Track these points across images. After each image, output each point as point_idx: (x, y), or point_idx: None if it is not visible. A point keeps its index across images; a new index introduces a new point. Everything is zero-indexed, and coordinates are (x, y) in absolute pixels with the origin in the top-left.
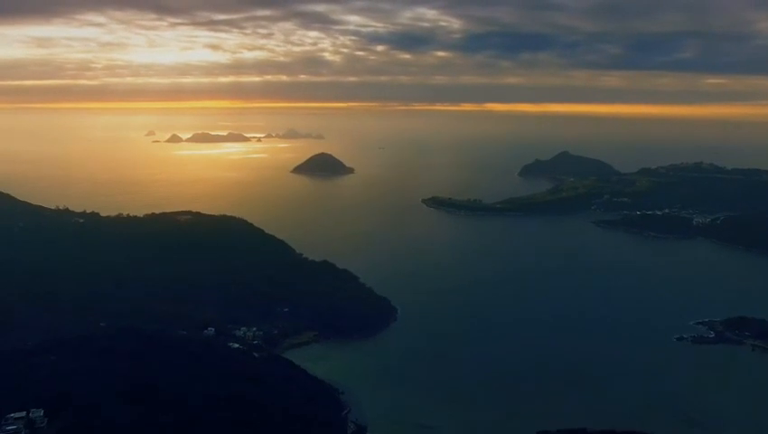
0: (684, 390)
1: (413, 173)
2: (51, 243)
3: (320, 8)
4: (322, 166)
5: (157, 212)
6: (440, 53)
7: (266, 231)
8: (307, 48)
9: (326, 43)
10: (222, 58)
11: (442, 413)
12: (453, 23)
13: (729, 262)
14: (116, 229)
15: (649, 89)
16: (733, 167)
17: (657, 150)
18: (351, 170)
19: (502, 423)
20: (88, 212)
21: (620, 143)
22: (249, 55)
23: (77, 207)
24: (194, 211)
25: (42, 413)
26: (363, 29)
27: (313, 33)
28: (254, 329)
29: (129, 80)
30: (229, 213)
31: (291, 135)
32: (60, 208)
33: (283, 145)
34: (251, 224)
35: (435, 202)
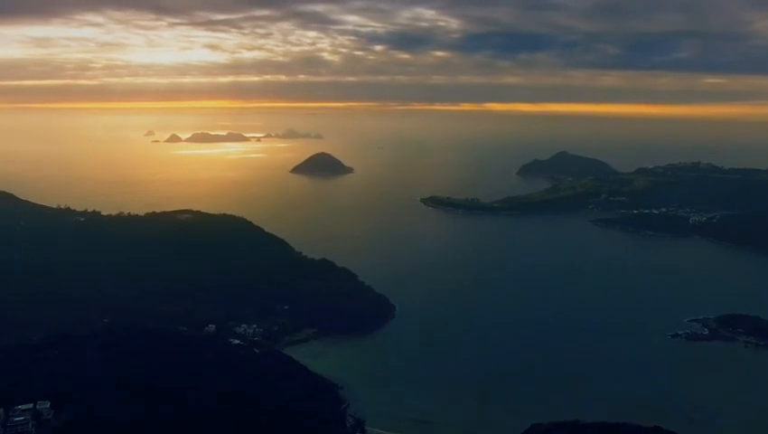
0: (677, 385)
1: (412, 172)
2: (53, 242)
3: (318, 8)
4: (321, 166)
5: (158, 211)
6: (439, 53)
7: (266, 230)
8: (306, 48)
9: (325, 43)
10: (221, 58)
11: (439, 408)
12: (451, 23)
13: (724, 261)
14: (117, 227)
15: (647, 89)
16: (730, 167)
17: (655, 150)
18: (350, 170)
19: (498, 417)
20: (89, 211)
21: (618, 143)
22: (248, 55)
23: (78, 206)
24: (195, 210)
25: (48, 405)
26: (362, 29)
27: (312, 33)
28: (254, 326)
29: (128, 80)
30: (229, 212)
31: (290, 135)
32: (62, 207)
33: (282, 144)
34: (251, 223)
35: (434, 202)
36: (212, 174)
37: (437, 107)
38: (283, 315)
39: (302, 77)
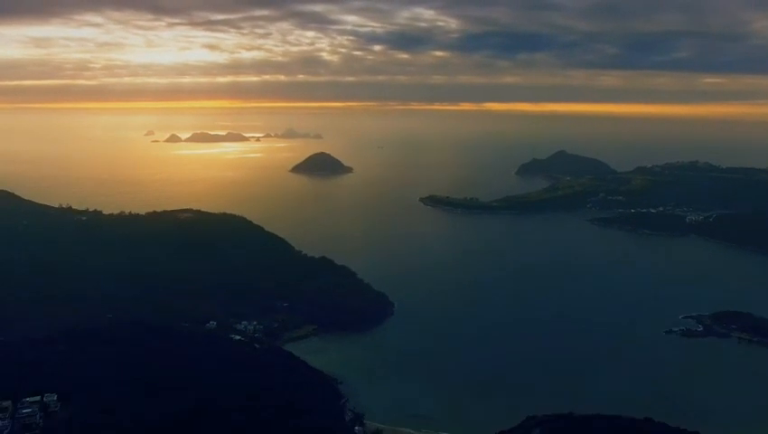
0: (669, 379)
1: (411, 172)
2: (55, 241)
3: (317, 8)
4: (320, 166)
5: (159, 210)
6: (438, 53)
7: (266, 229)
8: (305, 48)
9: (324, 43)
10: (220, 58)
11: (436, 402)
12: (450, 23)
13: (720, 259)
14: (118, 226)
15: (646, 89)
16: (728, 166)
17: (654, 149)
18: (349, 169)
19: (493, 410)
20: (90, 210)
21: (617, 142)
22: (247, 55)
23: (79, 206)
24: (195, 209)
25: (55, 398)
26: (361, 29)
27: (311, 33)
28: (254, 323)
29: (128, 80)
30: (229, 212)
31: (289, 134)
32: (63, 206)
33: (281, 144)
34: (251, 222)
35: (433, 201)
36: (212, 174)
37: (437, 106)
38: (283, 312)
39: (301, 77)
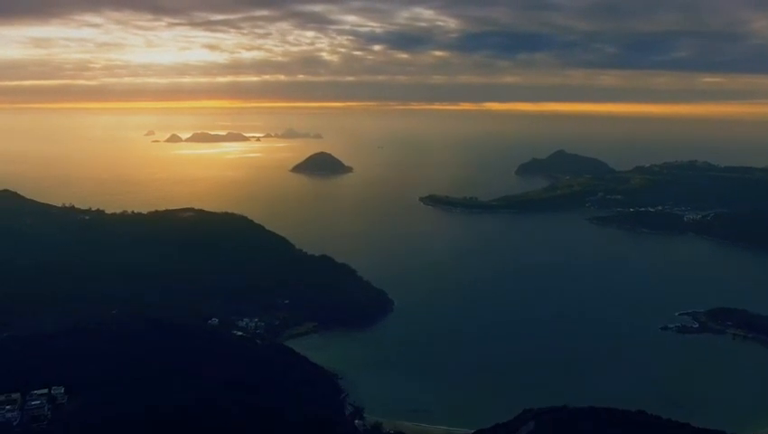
0: (663, 373)
1: (411, 172)
2: (59, 239)
3: (317, 8)
4: (320, 165)
5: (160, 209)
6: (437, 53)
7: (267, 228)
8: (305, 48)
9: (324, 43)
10: (220, 58)
11: (434, 397)
12: (450, 23)
13: (717, 257)
14: (120, 225)
15: (645, 88)
16: (726, 165)
17: (653, 149)
18: (349, 169)
19: (490, 404)
20: (92, 209)
21: (616, 142)
22: (247, 55)
23: (81, 205)
24: (197, 208)
25: (62, 391)
26: (360, 29)
27: (311, 33)
28: (256, 320)
29: (128, 80)
30: (230, 211)
31: (290, 134)
32: (66, 206)
33: (282, 144)
34: (252, 221)
35: (433, 200)
36: (213, 174)
37: (436, 106)
38: (284, 309)
39: (301, 77)
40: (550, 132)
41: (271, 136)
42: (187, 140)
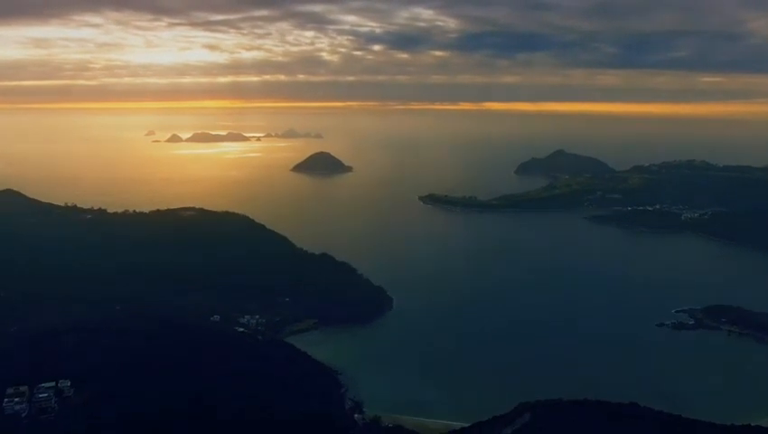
0: (657, 368)
1: (411, 171)
2: (62, 238)
3: (317, 8)
4: (321, 165)
5: (162, 208)
6: (437, 53)
7: (268, 227)
8: (305, 48)
9: (324, 43)
10: (220, 58)
11: (432, 390)
12: (449, 23)
13: (714, 255)
14: (123, 224)
15: (645, 88)
16: (725, 164)
17: (652, 148)
18: (349, 168)
19: (488, 397)
20: (95, 208)
21: (616, 141)
22: (247, 55)
23: (83, 205)
24: (198, 207)
25: (68, 384)
26: (360, 29)
27: (311, 33)
28: (257, 317)
29: (128, 80)
30: (231, 210)
31: (290, 134)
32: (69, 205)
33: (282, 144)
34: (253, 220)
35: (432, 200)
36: (214, 174)
37: (436, 106)
38: (284, 306)
39: (301, 77)
40: (550, 132)
41: (271, 136)
42: (187, 140)
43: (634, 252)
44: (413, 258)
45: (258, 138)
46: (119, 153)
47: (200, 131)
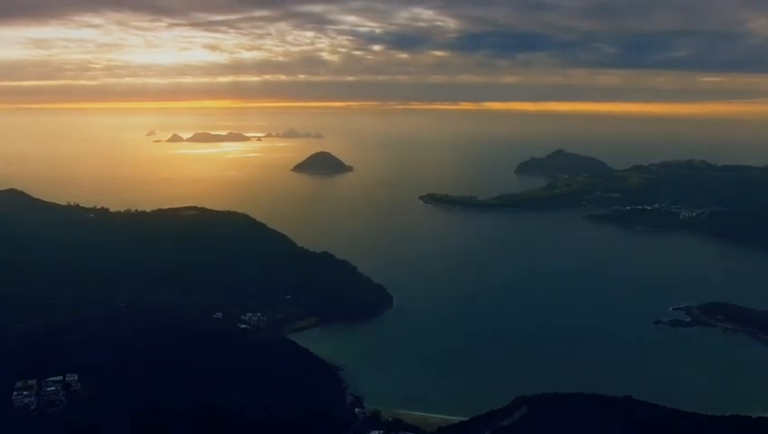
0: (654, 364)
1: (411, 171)
2: (66, 236)
3: (316, 8)
4: (321, 165)
5: (164, 207)
6: (437, 53)
7: (269, 226)
8: (305, 48)
9: (324, 43)
10: (221, 58)
11: (432, 386)
12: (449, 23)
13: (711, 253)
14: (125, 223)
15: (645, 88)
16: (724, 164)
17: (652, 148)
18: (349, 168)
19: (485, 392)
20: (97, 207)
21: (616, 141)
22: (248, 55)
23: (85, 204)
24: (199, 207)
25: (76, 378)
26: (360, 29)
27: (310, 34)
28: (258, 314)
29: (128, 80)
30: (232, 210)
31: (290, 134)
32: (71, 204)
33: (283, 144)
34: (254, 220)
35: (432, 199)
36: (214, 173)
37: (436, 106)
38: (286, 304)
39: (301, 77)
40: (550, 131)
41: (272, 136)
42: (188, 140)
43: (633, 251)
44: (413, 256)
45: (259, 138)
46: (120, 153)
47: (200, 131)
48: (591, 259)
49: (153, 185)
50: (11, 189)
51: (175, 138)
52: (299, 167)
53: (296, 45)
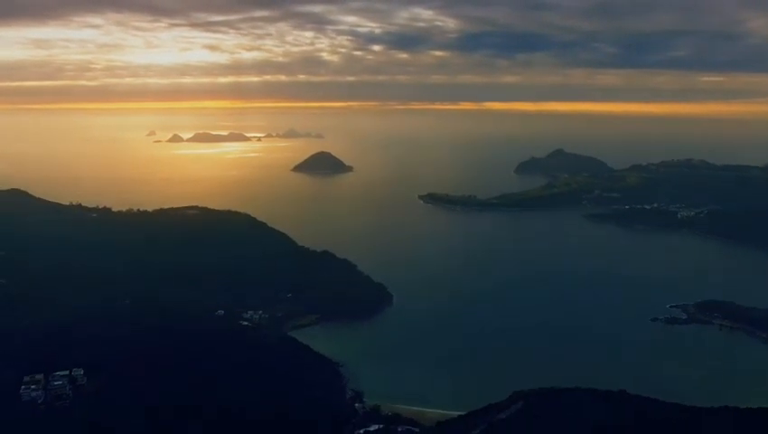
0: (648, 359)
1: (411, 171)
2: (69, 235)
3: (316, 9)
4: (322, 165)
5: (165, 207)
6: (437, 53)
7: (270, 226)
8: (305, 48)
9: (324, 44)
10: (221, 58)
11: (430, 382)
12: (449, 23)
13: (709, 252)
14: (127, 223)
15: (645, 88)
16: (723, 164)
17: (652, 147)
18: (350, 168)
19: (483, 387)
20: (100, 207)
21: (615, 141)
22: (248, 56)
23: (88, 204)
24: (201, 206)
25: (82, 372)
26: (359, 29)
27: (310, 34)
28: (260, 312)
29: (128, 80)
30: (233, 209)
31: (291, 134)
32: (74, 204)
33: (283, 144)
34: (255, 219)
35: (432, 199)
36: (215, 173)
37: (437, 106)
38: (287, 302)
39: (302, 77)
40: (550, 131)
41: (272, 136)
42: (189, 140)
43: (632, 250)
44: (413, 255)
45: (259, 138)
46: (120, 153)
47: (201, 131)
48: (590, 257)
49: (153, 185)
50: (14, 189)
51: (176, 139)
52: (299, 167)
53: (296, 45)
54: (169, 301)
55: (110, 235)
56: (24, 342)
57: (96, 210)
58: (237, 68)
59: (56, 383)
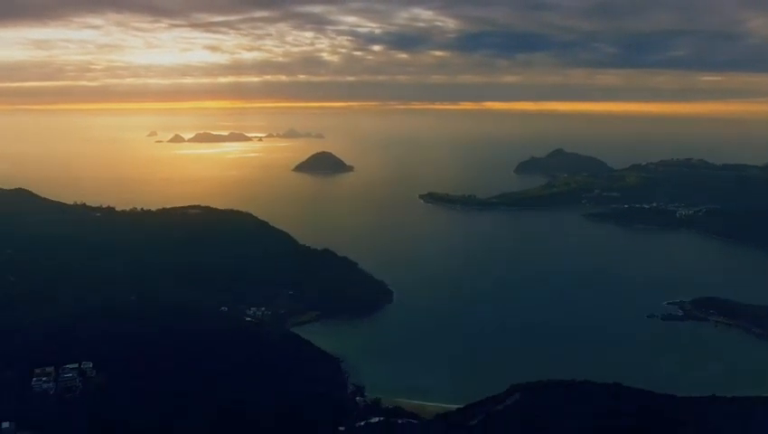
0: (644, 354)
1: (412, 170)
2: (74, 235)
3: (316, 9)
4: (322, 164)
5: (168, 206)
6: (437, 53)
7: (272, 224)
8: (305, 48)
9: (324, 44)
10: (221, 59)
11: (430, 377)
12: (449, 23)
13: (707, 251)
14: (131, 222)
15: (645, 87)
16: (723, 163)
17: (652, 147)
18: (350, 168)
19: (482, 382)
20: (103, 206)
21: (615, 140)
22: (248, 56)
23: (91, 203)
24: (203, 206)
25: (91, 365)
26: (359, 29)
27: (310, 34)
28: (262, 309)
29: (129, 81)
30: (235, 208)
31: (291, 134)
32: (78, 204)
33: (283, 144)
34: (257, 218)
35: (432, 198)
36: (217, 173)
37: (437, 106)
38: (288, 300)
39: (302, 77)
40: (550, 131)
41: (273, 136)
42: (190, 140)
43: (631, 249)
44: (413, 254)
45: (260, 138)
46: (122, 153)
47: (201, 131)
48: (589, 256)
49: (155, 185)
50: (19, 188)
51: (177, 139)
52: (300, 167)
53: (296, 46)
54: (172, 299)
55: (114, 234)
56: (33, 337)
57: (99, 209)
58: (237, 68)
59: (66, 376)
